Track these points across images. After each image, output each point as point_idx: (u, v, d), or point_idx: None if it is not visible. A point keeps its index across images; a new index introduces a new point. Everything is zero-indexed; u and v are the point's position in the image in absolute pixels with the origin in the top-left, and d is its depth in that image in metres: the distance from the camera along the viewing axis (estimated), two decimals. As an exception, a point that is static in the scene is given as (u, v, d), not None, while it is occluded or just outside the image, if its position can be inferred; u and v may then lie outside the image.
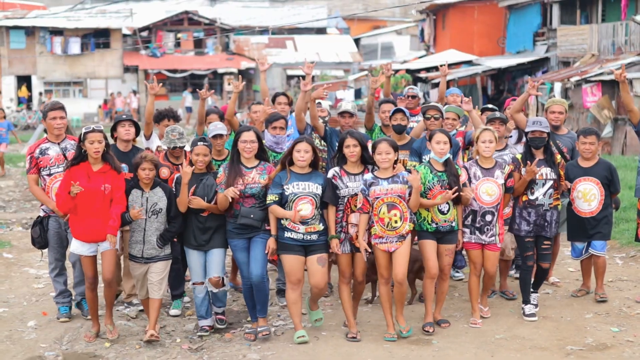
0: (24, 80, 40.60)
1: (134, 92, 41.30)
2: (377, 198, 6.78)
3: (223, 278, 7.09)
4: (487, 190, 7.12)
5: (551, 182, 7.37)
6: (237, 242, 6.98)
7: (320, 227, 6.81)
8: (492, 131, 7.20)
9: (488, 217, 7.15)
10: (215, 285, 7.04)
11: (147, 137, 8.27)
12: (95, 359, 6.70)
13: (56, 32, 40.69)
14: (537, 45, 31.60)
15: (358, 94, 35.86)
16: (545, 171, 7.38)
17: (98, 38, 41.60)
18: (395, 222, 6.77)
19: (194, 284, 7.11)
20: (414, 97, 9.14)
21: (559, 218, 7.60)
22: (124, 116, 7.87)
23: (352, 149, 6.91)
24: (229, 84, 41.63)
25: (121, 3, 43.26)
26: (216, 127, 7.62)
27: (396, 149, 6.87)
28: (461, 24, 35.54)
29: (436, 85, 31.05)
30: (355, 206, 6.86)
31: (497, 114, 8.10)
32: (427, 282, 7.11)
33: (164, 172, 7.41)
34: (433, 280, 7.09)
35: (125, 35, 43.55)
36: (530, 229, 7.38)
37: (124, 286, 7.97)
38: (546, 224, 7.38)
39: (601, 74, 22.89)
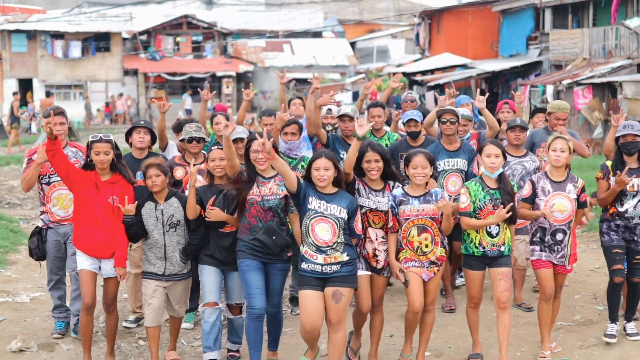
0: (25, 83, 41.13)
1: (121, 95, 42.02)
2: (407, 219, 6.03)
3: (242, 305, 6.46)
4: (558, 206, 6.40)
5: None
6: (249, 262, 6.08)
7: (344, 257, 5.77)
8: (565, 140, 6.43)
9: (559, 236, 6.44)
10: (234, 313, 6.50)
11: (163, 149, 8.06)
12: (131, 334, 7.29)
13: (57, 35, 41.24)
14: (530, 48, 32.18)
15: (356, 97, 36.50)
16: (637, 182, 6.71)
17: (98, 42, 42.17)
18: (426, 246, 6.06)
19: (205, 305, 6.33)
20: (412, 101, 9.59)
21: None
22: (141, 122, 7.46)
23: (373, 165, 5.99)
24: (228, 87, 42.32)
25: (120, 7, 43.88)
26: (236, 130, 6.86)
27: (432, 162, 6.10)
28: (456, 28, 36.12)
29: (432, 88, 31.82)
30: (374, 222, 6.13)
31: (518, 120, 7.66)
32: (469, 311, 6.53)
33: (179, 172, 7.17)
34: (475, 308, 6.49)
35: (125, 39, 44.21)
36: (620, 238, 6.82)
37: (130, 302, 7.72)
38: (636, 237, 6.81)
39: (592, 77, 23.57)
